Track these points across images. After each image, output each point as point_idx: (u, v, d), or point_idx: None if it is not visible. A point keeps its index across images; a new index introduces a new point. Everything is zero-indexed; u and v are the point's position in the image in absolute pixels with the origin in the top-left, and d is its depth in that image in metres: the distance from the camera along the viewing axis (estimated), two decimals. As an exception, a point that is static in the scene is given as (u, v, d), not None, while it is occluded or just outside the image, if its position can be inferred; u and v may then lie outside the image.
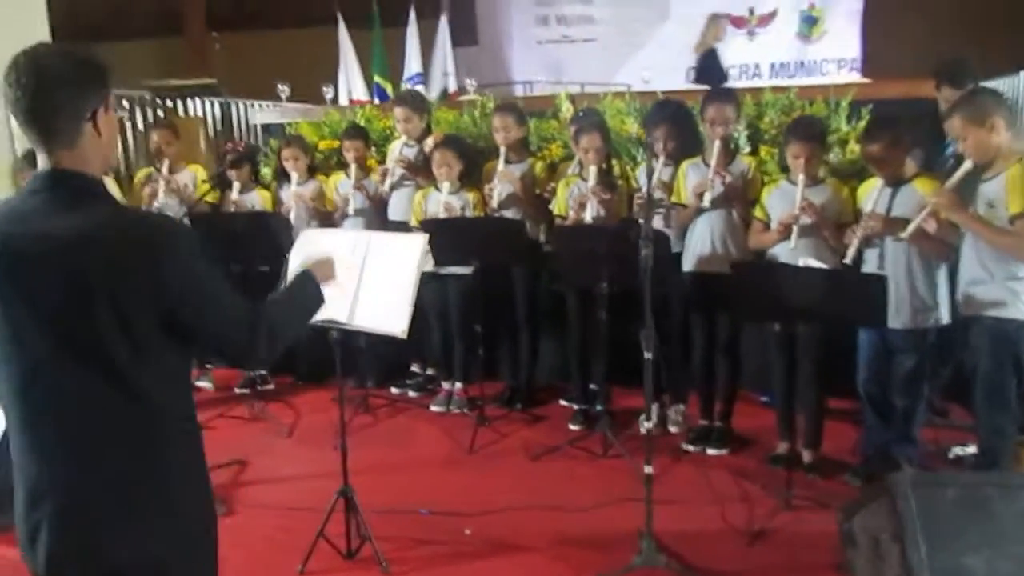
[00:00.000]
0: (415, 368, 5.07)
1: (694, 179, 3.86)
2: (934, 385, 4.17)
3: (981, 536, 2.37)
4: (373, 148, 5.08)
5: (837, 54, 8.85)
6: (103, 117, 1.59)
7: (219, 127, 6.99)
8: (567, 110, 4.90)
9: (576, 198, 4.10)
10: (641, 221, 3.96)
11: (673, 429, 4.26)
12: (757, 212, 3.76)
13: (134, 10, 12.08)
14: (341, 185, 4.88)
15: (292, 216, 4.73)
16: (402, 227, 4.59)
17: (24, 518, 1.60)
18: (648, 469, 2.95)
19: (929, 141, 3.99)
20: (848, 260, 3.37)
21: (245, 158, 4.75)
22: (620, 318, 3.94)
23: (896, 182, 3.38)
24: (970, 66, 4.13)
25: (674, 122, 3.97)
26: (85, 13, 11.20)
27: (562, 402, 4.69)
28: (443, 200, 4.34)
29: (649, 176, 2.93)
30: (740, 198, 3.81)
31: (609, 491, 3.58)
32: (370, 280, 2.86)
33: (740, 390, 4.20)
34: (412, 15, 9.06)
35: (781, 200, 3.63)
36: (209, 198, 4.82)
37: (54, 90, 1.53)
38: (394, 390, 4.98)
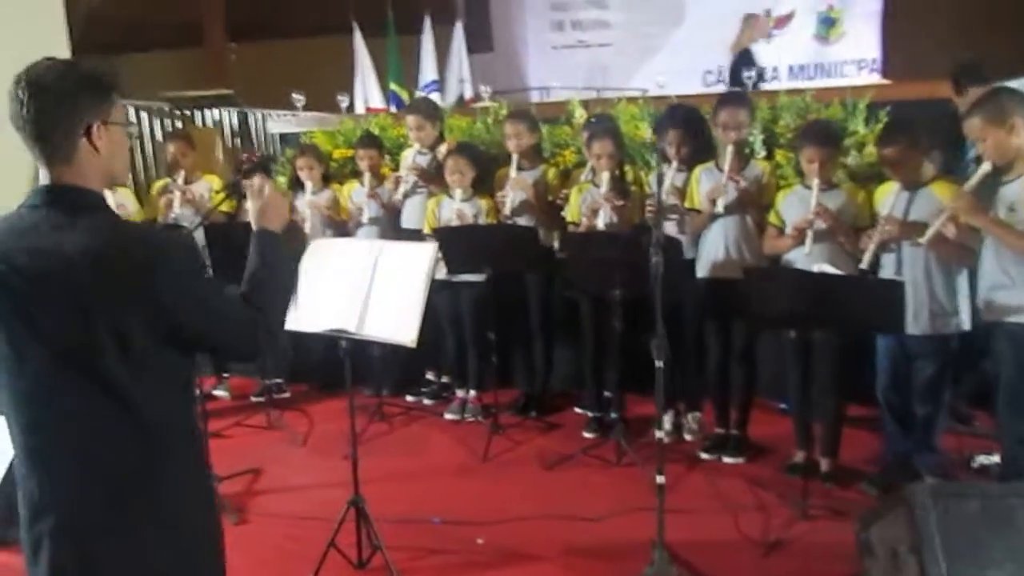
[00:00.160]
0: (430, 376, 5.06)
1: (707, 184, 3.83)
2: (959, 392, 4.09)
3: (1004, 550, 2.31)
4: (387, 156, 5.07)
5: (856, 55, 8.74)
6: (101, 131, 1.59)
7: (236, 137, 7.03)
8: (580, 116, 4.87)
9: (589, 205, 4.08)
10: (663, 227, 3.98)
11: (689, 437, 4.21)
12: (771, 217, 3.71)
13: (154, 22, 12.21)
14: (355, 194, 4.88)
15: (307, 225, 4.74)
16: (415, 235, 4.58)
17: (27, 531, 1.61)
18: (660, 479, 2.91)
19: (949, 143, 3.91)
20: (864, 265, 3.32)
21: (259, 168, 4.76)
22: (634, 325, 3.90)
23: (913, 186, 3.32)
24: (982, 66, 4.04)
25: (686, 127, 3.93)
26: (105, 26, 11.34)
27: (577, 409, 4.65)
28: (455, 207, 4.33)
29: (660, 182, 2.90)
30: (754, 203, 3.76)
31: (622, 500, 3.54)
32: (380, 289, 2.85)
33: (757, 397, 4.15)
34: (427, 22, 9.07)
35: (796, 205, 3.58)
36: (225, 208, 4.85)
37: (49, 105, 1.54)
38: (409, 398, 4.97)
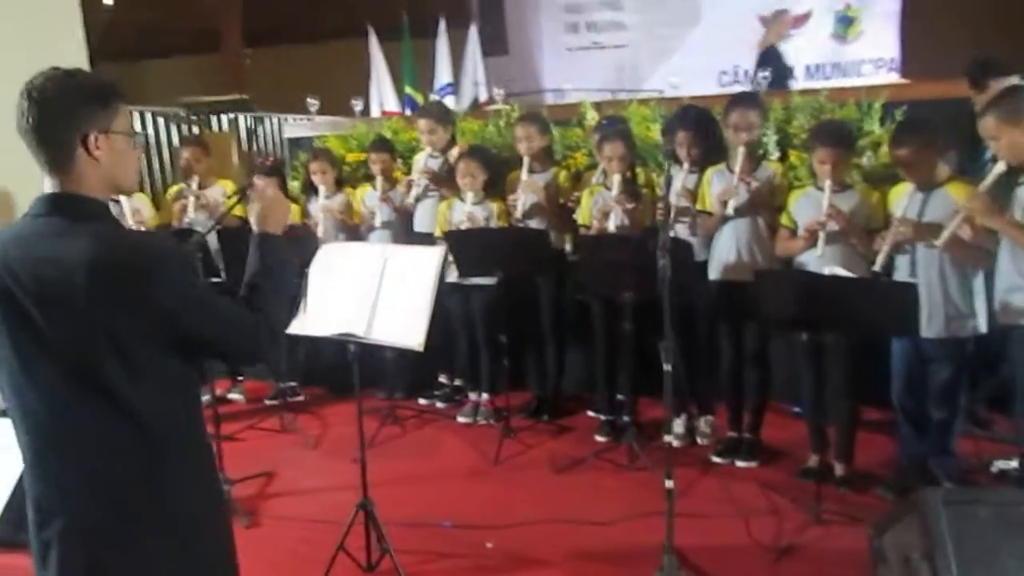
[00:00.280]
0: (442, 379, 5.06)
1: (719, 186, 3.80)
2: (977, 395, 4.04)
3: (1018, 557, 2.27)
4: (399, 160, 5.09)
5: (874, 55, 8.66)
6: (101, 141, 1.59)
7: (252, 142, 7.08)
8: (592, 118, 4.85)
9: (600, 207, 4.06)
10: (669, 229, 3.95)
11: (701, 441, 4.18)
12: (784, 219, 3.68)
13: (172, 28, 12.34)
14: (368, 197, 4.90)
15: (320, 229, 4.76)
16: (427, 238, 4.59)
17: (35, 536, 1.64)
18: (669, 483, 2.88)
19: (966, 143, 3.86)
20: (878, 267, 3.28)
21: (270, 172, 4.79)
22: (646, 328, 3.87)
23: (928, 186, 3.28)
24: (998, 63, 3.98)
25: (697, 128, 3.90)
26: (124, 32, 11.49)
27: (589, 413, 4.63)
28: (466, 210, 4.33)
29: (668, 183, 2.88)
30: (766, 205, 3.73)
31: (633, 504, 3.52)
32: (388, 293, 2.86)
33: (771, 400, 4.11)
34: (442, 25, 9.08)
35: (808, 206, 3.55)
36: (238, 212, 4.87)
37: (47, 115, 1.56)
38: (422, 401, 4.97)
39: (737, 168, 3.68)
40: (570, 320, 4.60)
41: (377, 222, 4.80)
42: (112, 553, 1.61)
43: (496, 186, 4.52)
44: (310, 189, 4.99)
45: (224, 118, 6.97)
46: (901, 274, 3.35)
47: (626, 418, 4.20)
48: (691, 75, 8.47)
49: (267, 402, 5.03)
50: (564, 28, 9.50)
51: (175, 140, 6.57)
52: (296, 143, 6.11)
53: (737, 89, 8.47)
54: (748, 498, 3.58)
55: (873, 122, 4.37)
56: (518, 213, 4.32)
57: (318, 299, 2.84)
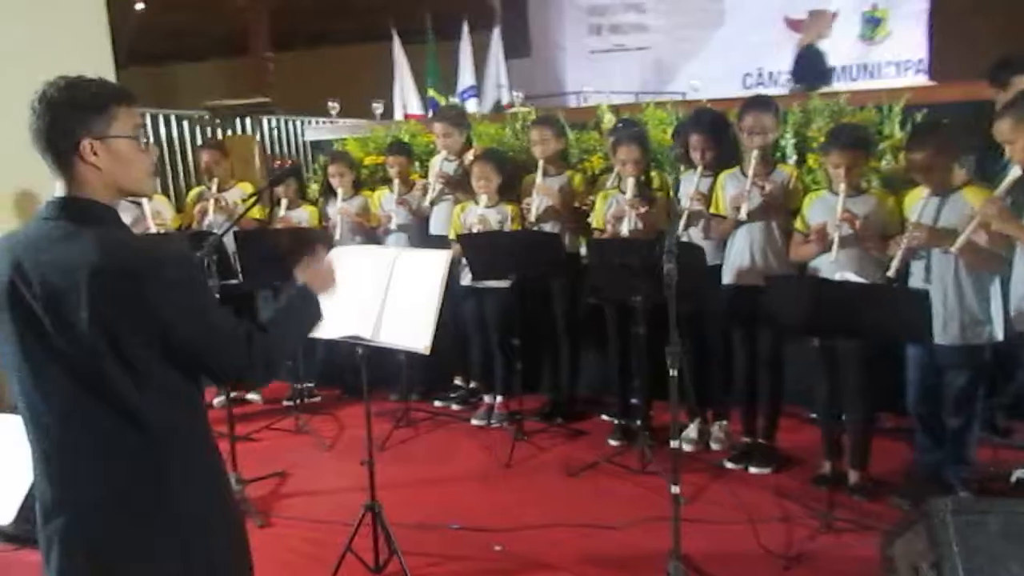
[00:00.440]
0: (458, 381, 5.07)
1: (732, 190, 3.77)
2: (997, 404, 3.97)
3: (1026, 570, 2.23)
4: (417, 163, 5.11)
5: (902, 56, 8.56)
6: (97, 147, 1.61)
7: (274, 145, 7.16)
8: (608, 121, 4.84)
9: (613, 212, 4.05)
10: (678, 233, 3.93)
11: (715, 446, 4.15)
12: (798, 223, 3.64)
13: (201, 32, 12.50)
14: (385, 200, 4.93)
15: (336, 232, 4.80)
16: (443, 241, 4.61)
17: (40, 531, 1.67)
18: (675, 488, 2.86)
19: (988, 146, 3.79)
20: (892, 273, 3.23)
21: (287, 175, 4.84)
22: (661, 332, 3.83)
23: (943, 191, 3.22)
24: (1020, 59, 3.89)
25: (712, 132, 3.88)
26: (155, 36, 11.66)
27: (603, 416, 4.62)
28: (478, 213, 4.33)
29: (676, 187, 2.86)
30: (780, 209, 3.70)
31: (643, 509, 3.50)
32: (395, 297, 2.87)
33: (788, 405, 4.07)
34: (465, 28, 9.11)
35: (822, 211, 3.51)
36: (256, 214, 4.93)
37: (44, 123, 1.60)
38: (437, 403, 4.99)
39: (750, 172, 3.65)
40: (585, 323, 4.58)
41: (393, 225, 4.83)
42: (114, 552, 1.64)
43: (511, 189, 4.52)
44: (328, 192, 5.04)
45: (248, 121, 7.05)
46: (916, 280, 3.30)
47: (639, 422, 4.18)
48: (715, 77, 8.44)
49: (284, 403, 5.07)
50: (587, 30, 9.50)
51: (199, 143, 6.67)
52: (317, 146, 6.16)
53: (761, 91, 8.44)
54: (760, 505, 3.54)
55: (893, 125, 4.32)
56: (532, 216, 4.32)
57: (327, 301, 2.85)
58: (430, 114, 8.36)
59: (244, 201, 4.88)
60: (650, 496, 3.65)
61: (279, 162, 5.79)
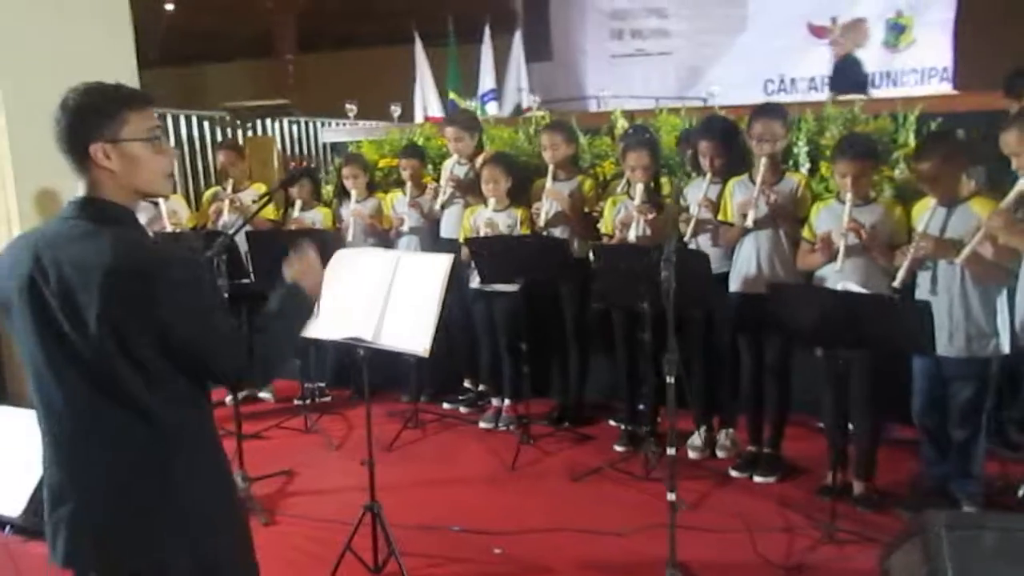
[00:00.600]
0: (467, 384, 5.09)
1: (740, 197, 3.76)
2: (1009, 417, 3.92)
3: (1021, 586, 2.20)
4: (431, 166, 5.14)
5: (926, 64, 8.46)
6: (108, 150, 1.67)
7: (293, 146, 7.24)
8: (622, 127, 4.84)
9: (621, 217, 4.05)
10: (687, 240, 3.93)
11: (721, 454, 4.13)
12: (805, 232, 3.62)
13: (229, 34, 12.66)
14: (397, 203, 4.96)
15: (349, 233, 4.84)
16: (453, 245, 4.62)
17: (48, 517, 1.73)
18: (671, 496, 2.87)
19: (999, 158, 3.75)
20: (897, 284, 3.20)
21: (299, 176, 4.89)
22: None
23: (951, 202, 3.19)
24: None
25: (722, 138, 3.87)
26: (184, 37, 11.84)
27: (611, 422, 4.62)
28: (486, 217, 4.35)
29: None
30: (787, 217, 3.68)
31: (645, 516, 3.49)
32: (397, 300, 2.90)
33: (796, 414, 4.05)
34: (487, 32, 9.14)
35: (830, 219, 3.49)
36: (271, 215, 4.99)
37: (61, 127, 1.67)
38: (446, 405, 5.02)
39: (758, 179, 3.64)
40: (594, 328, 4.58)
41: (405, 227, 4.86)
42: (118, 539, 1.69)
43: (523, 193, 4.54)
44: (342, 193, 5.08)
45: (268, 122, 7.13)
46: (922, 291, 3.27)
47: (646, 428, 4.18)
48: (736, 83, 8.40)
49: (296, 402, 5.12)
50: (609, 35, 9.48)
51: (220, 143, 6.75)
52: (334, 148, 6.22)
53: (783, 98, 8.39)
54: (763, 514, 3.53)
55: (907, 134, 4.28)
56: (541, 221, 4.33)
57: (329, 303, 2.89)
58: (449, 117, 8.41)
59: (252, 202, 4.93)
60: (653, 503, 3.63)
61: (294, 163, 5.85)
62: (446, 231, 4.80)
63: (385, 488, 3.22)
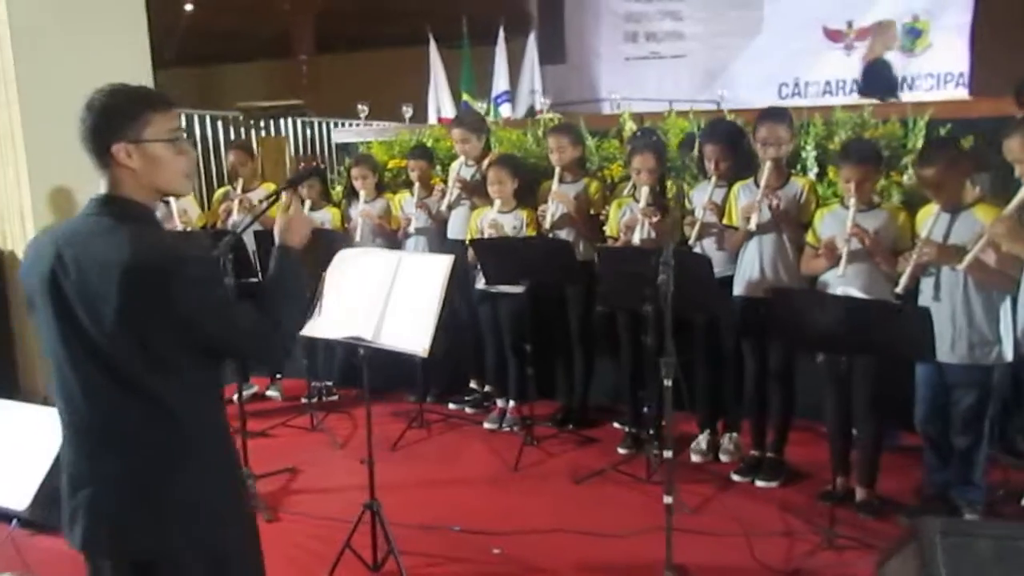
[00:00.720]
0: (473, 385, 5.11)
1: (745, 201, 3.75)
2: (1017, 426, 3.89)
3: (1016, 594, 2.19)
4: (439, 167, 5.17)
5: (943, 69, 8.39)
6: (131, 150, 1.72)
7: (306, 146, 7.29)
8: (630, 129, 4.84)
9: (625, 220, 4.06)
10: (691, 243, 3.93)
11: (724, 458, 4.13)
12: (809, 237, 3.61)
13: (247, 34, 12.75)
14: (406, 203, 4.99)
15: (357, 233, 4.88)
16: (460, 246, 4.64)
17: (67, 501, 1.79)
18: (667, 499, 2.87)
19: (1006, 164, 3.72)
20: (900, 290, 3.19)
21: (305, 176, 4.91)
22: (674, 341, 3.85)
23: (954, 208, 3.18)
24: None
25: (726, 142, 3.87)
26: (204, 37, 11.94)
27: (615, 424, 4.62)
28: (491, 218, 4.37)
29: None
30: (790, 222, 3.67)
31: (646, 518, 3.48)
32: (397, 300, 2.92)
33: (801, 419, 4.05)
34: (501, 33, 9.15)
35: (833, 225, 3.48)
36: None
37: (85, 128, 1.72)
38: (452, 405, 5.04)
39: (762, 183, 3.64)
40: (599, 331, 4.59)
41: (412, 228, 4.89)
42: (132, 525, 1.74)
43: (530, 195, 4.55)
44: (351, 194, 5.12)
45: (282, 123, 7.18)
46: (925, 297, 3.26)
47: (650, 431, 4.18)
48: (750, 86, 8.38)
49: (303, 400, 5.16)
50: (623, 37, 9.46)
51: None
52: (344, 148, 6.26)
53: (797, 102, 8.35)
54: (763, 519, 3.52)
55: (917, 139, 4.25)
56: (547, 223, 4.35)
57: (332, 302, 2.91)
58: (461, 119, 8.42)
59: (258, 202, 4.97)
60: (654, 505, 3.60)
61: (303, 163, 5.89)
62: (453, 232, 4.82)
63: (388, 487, 3.25)
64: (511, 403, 4.74)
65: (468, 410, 4.99)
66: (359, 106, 6.09)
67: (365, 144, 5.70)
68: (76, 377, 1.72)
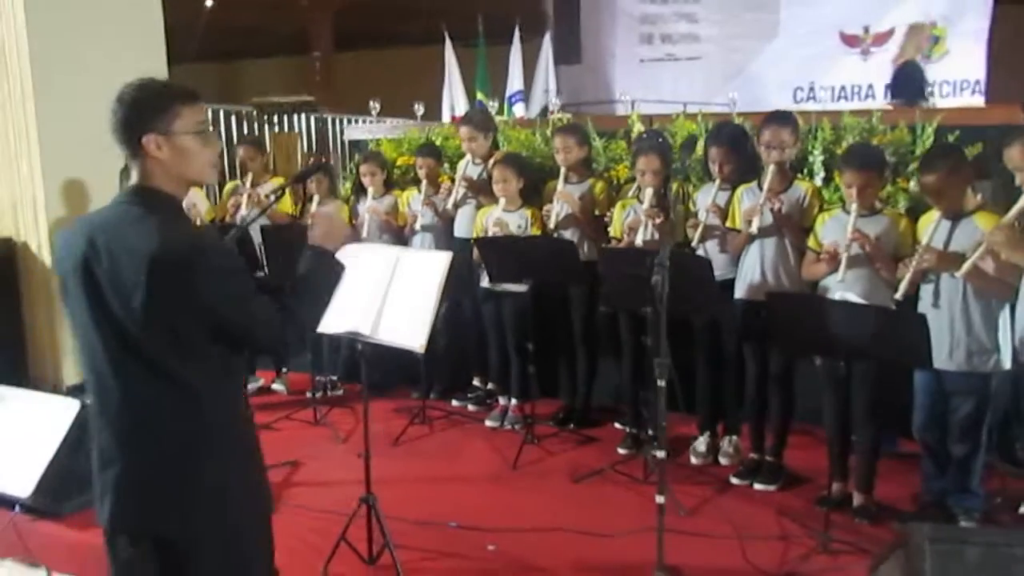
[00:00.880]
0: (476, 382, 5.14)
1: (748, 204, 3.76)
2: (1018, 434, 3.87)
3: (1003, 602, 2.19)
4: (448, 165, 5.19)
5: (959, 76, 8.34)
6: (160, 142, 1.79)
7: (318, 143, 7.34)
8: (638, 131, 4.84)
9: (628, 221, 4.07)
10: (694, 245, 3.94)
11: (724, 461, 4.13)
12: (811, 241, 3.61)
13: (267, 31, 12.85)
14: (413, 201, 5.02)
15: (364, 229, 4.91)
16: (466, 244, 4.67)
17: (97, 477, 1.86)
18: (660, 499, 2.89)
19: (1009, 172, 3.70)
20: (899, 296, 3.18)
21: (312, 172, 4.97)
22: (673, 342, 3.85)
23: (955, 215, 3.16)
24: None
25: (730, 145, 3.87)
26: (224, 33, 12.04)
27: (616, 424, 4.63)
28: (495, 217, 4.39)
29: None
30: (792, 226, 3.67)
31: (642, 519, 3.48)
32: (395, 296, 2.96)
33: (801, 423, 4.04)
34: (516, 33, 9.18)
35: (835, 229, 3.47)
36: (289, 210, 5.08)
37: (116, 120, 1.80)
38: (454, 403, 5.07)
39: (765, 187, 3.64)
40: (602, 331, 4.60)
41: (419, 225, 4.92)
42: (157, 505, 1.81)
43: (536, 194, 4.57)
44: (360, 190, 5.15)
45: (295, 119, 7.24)
46: (925, 304, 3.25)
47: (649, 432, 4.18)
48: (767, 89, 8.37)
49: (308, 394, 5.20)
50: (638, 39, 9.48)
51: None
52: (356, 145, 6.30)
53: (813, 106, 8.32)
54: (760, 522, 3.52)
55: (925, 145, 4.23)
56: (552, 223, 4.36)
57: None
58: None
59: (264, 197, 5.02)
60: (650, 506, 3.60)
61: (312, 159, 5.94)
62: (460, 230, 4.85)
63: (388, 482, 3.28)
64: (513, 401, 4.76)
65: (471, 407, 5.01)
66: (371, 103, 6.12)
67: (375, 141, 5.74)
68: (106, 359, 1.78)
